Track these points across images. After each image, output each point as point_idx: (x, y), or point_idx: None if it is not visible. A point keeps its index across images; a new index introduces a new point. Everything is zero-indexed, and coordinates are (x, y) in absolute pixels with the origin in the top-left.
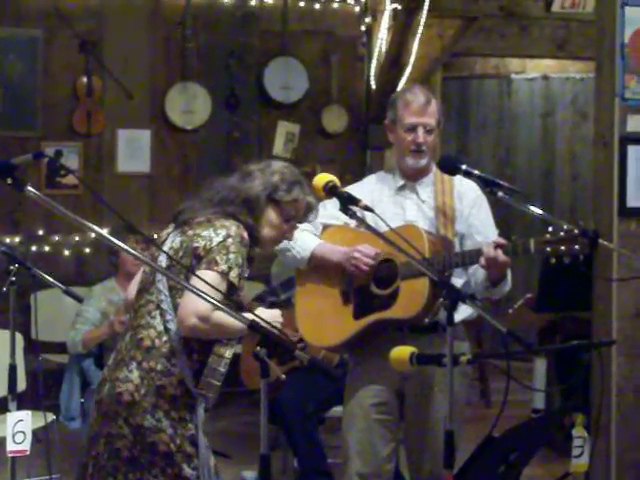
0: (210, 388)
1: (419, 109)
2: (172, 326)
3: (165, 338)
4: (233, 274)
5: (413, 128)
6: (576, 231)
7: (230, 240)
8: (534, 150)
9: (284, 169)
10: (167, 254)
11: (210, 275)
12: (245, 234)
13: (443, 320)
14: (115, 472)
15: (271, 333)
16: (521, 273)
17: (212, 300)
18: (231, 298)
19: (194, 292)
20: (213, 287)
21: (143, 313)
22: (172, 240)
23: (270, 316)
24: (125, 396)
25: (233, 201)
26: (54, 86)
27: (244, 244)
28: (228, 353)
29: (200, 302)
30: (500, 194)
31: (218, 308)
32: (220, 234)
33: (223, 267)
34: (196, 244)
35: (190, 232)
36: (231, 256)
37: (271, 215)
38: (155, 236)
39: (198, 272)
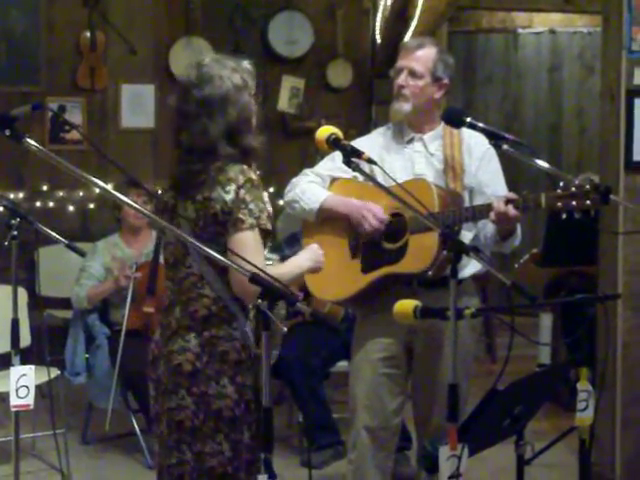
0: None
1: (405, 52)
2: (223, 294)
3: (221, 304)
4: (262, 221)
5: (399, 71)
6: (588, 186)
7: (242, 191)
8: (541, 105)
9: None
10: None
11: (243, 236)
12: (251, 174)
13: None
14: (179, 445)
15: (273, 286)
16: (527, 228)
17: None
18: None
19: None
20: (236, 254)
21: (188, 286)
22: (184, 209)
23: (311, 252)
24: (185, 366)
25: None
26: (57, 41)
27: (255, 185)
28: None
29: (250, 268)
30: (505, 147)
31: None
32: (230, 190)
33: (250, 221)
34: (212, 210)
35: (199, 196)
36: (251, 206)
37: None
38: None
39: (231, 240)
